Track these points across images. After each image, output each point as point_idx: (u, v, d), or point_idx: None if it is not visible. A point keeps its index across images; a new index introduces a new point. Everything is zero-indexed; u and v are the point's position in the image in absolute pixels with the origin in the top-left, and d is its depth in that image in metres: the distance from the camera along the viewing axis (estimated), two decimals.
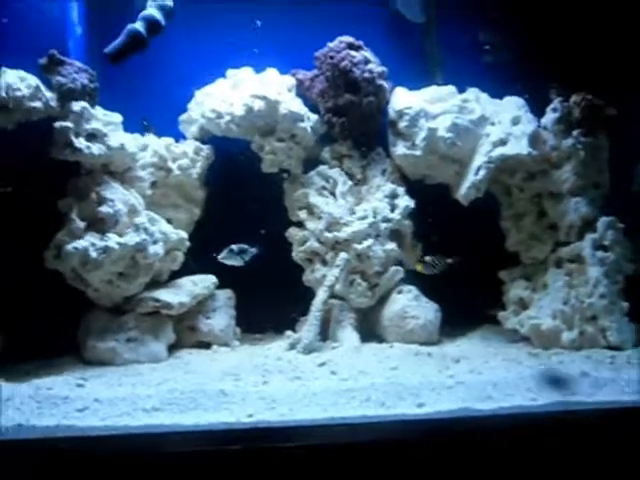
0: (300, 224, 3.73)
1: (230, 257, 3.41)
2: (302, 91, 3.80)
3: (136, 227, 3.26)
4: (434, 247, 3.74)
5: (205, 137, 3.75)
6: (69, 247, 3.12)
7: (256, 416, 2.47)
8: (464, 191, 3.60)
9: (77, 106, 3.23)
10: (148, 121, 3.53)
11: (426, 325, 3.54)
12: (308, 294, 3.66)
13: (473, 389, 2.69)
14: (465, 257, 3.72)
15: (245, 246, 3.43)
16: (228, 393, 2.63)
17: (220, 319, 3.55)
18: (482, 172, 3.55)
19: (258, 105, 3.58)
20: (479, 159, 3.59)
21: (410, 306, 3.57)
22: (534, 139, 3.55)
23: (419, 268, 3.43)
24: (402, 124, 3.69)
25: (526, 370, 2.98)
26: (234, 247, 3.40)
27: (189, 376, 2.98)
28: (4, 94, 3.10)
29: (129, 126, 3.56)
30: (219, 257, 3.41)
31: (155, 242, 3.31)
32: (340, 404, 2.57)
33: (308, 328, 3.39)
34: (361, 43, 3.73)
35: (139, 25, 3.35)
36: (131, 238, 3.22)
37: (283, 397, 2.62)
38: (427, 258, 3.36)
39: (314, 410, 2.53)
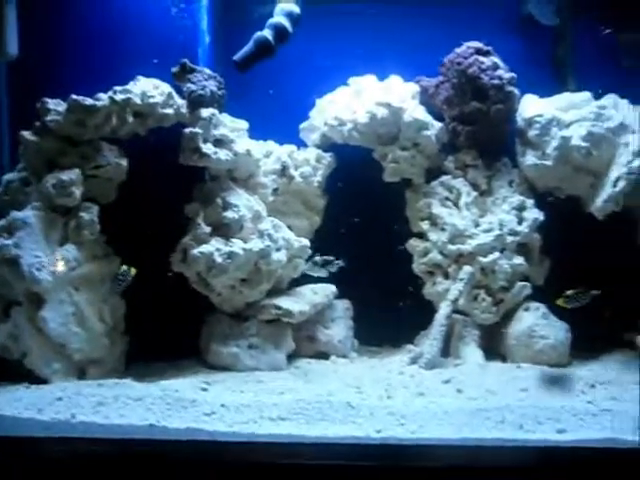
0: (422, 235, 3.61)
1: (313, 269, 3.34)
2: (426, 98, 3.70)
3: (260, 233, 3.26)
4: (563, 265, 3.55)
5: (326, 145, 3.71)
6: (195, 251, 3.16)
7: (385, 432, 2.38)
8: (600, 204, 3.37)
9: (206, 112, 3.28)
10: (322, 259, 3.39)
11: (556, 346, 3.32)
12: (427, 307, 3.54)
13: (620, 418, 2.47)
14: (599, 276, 3.50)
15: (330, 258, 3.33)
16: (355, 406, 2.55)
17: (339, 329, 3.49)
18: (621, 184, 3.30)
19: (382, 112, 3.52)
20: (618, 170, 3.34)
21: (538, 325, 3.36)
22: None
23: (561, 302, 3.14)
24: (532, 133, 3.51)
25: None
26: (318, 259, 3.34)
27: (311, 386, 2.93)
28: (139, 101, 3.19)
29: (253, 133, 3.60)
30: (304, 269, 3.37)
31: (278, 249, 3.29)
32: (474, 424, 2.43)
33: (431, 343, 3.26)
34: (490, 48, 3.58)
35: (268, 33, 3.37)
36: (255, 244, 3.22)
37: (412, 413, 2.52)
38: (569, 292, 3.08)
39: (446, 429, 2.40)
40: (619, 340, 3.48)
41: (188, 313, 3.36)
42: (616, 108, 3.48)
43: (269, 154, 3.57)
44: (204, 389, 2.85)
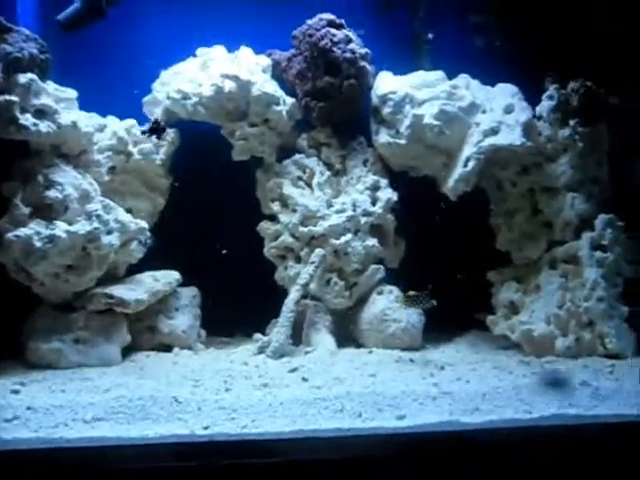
0: (273, 217, 3.42)
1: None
2: (278, 73, 3.50)
3: (88, 215, 2.92)
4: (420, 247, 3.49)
5: (171, 120, 3.42)
6: (10, 235, 2.78)
7: (213, 428, 2.17)
8: (452, 184, 3.31)
9: (24, 78, 2.89)
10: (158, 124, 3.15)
11: (408, 329, 3.24)
12: (281, 294, 3.35)
13: (460, 400, 2.40)
14: (451, 257, 3.47)
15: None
16: (182, 401, 2.32)
17: (183, 319, 3.22)
18: (471, 163, 3.26)
19: (229, 86, 3.28)
20: (468, 149, 3.30)
21: (391, 308, 3.26)
22: (528, 129, 3.27)
23: (404, 301, 3.05)
24: (386, 110, 3.40)
25: (518, 379, 2.70)
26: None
27: (143, 382, 2.65)
28: None
29: (88, 105, 3.25)
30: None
31: (110, 232, 2.98)
32: (310, 415, 2.27)
33: (278, 330, 3.07)
34: (342, 21, 3.44)
35: None
36: (82, 226, 2.88)
37: (245, 406, 2.32)
38: (412, 293, 3.02)
39: (280, 422, 2.23)
40: (471, 321, 3.47)
41: (10, 307, 2.98)
42: (468, 88, 3.44)
43: (103, 128, 3.23)
44: (16, 391, 2.50)
